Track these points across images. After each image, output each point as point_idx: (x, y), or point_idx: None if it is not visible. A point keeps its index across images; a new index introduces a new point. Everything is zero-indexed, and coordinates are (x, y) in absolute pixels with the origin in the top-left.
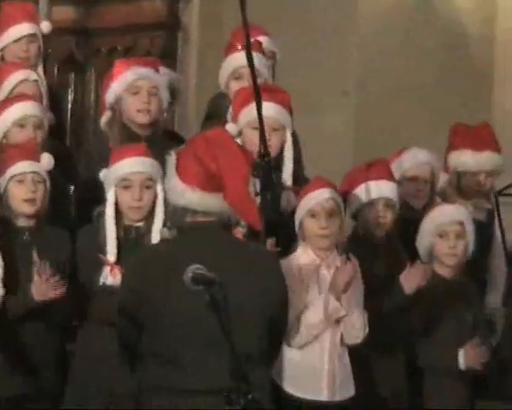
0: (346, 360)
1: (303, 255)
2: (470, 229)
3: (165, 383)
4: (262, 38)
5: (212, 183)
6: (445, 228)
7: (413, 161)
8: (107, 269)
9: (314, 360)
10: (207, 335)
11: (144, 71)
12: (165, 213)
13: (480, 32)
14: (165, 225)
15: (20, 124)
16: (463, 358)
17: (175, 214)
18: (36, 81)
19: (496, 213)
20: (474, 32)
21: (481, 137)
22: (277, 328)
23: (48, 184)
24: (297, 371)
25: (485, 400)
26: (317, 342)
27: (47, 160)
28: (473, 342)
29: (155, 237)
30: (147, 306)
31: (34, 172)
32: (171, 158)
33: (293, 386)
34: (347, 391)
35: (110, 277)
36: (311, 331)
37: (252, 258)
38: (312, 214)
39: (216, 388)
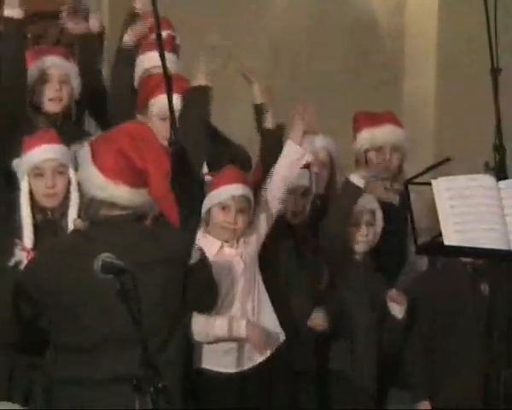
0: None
1: (203, 240)
2: (380, 216)
3: (77, 374)
4: (169, 32)
5: (138, 178)
6: (357, 216)
7: (310, 147)
8: (22, 254)
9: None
10: (118, 324)
11: (55, 59)
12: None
13: (391, 22)
14: (79, 215)
15: None
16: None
17: (90, 206)
18: None
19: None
20: (385, 22)
21: (381, 115)
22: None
23: None
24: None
25: None
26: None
27: None
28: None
29: (70, 224)
30: (52, 297)
31: None
32: (84, 148)
33: (205, 359)
34: (253, 360)
35: (26, 261)
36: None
37: (160, 246)
38: (223, 207)
39: (127, 376)
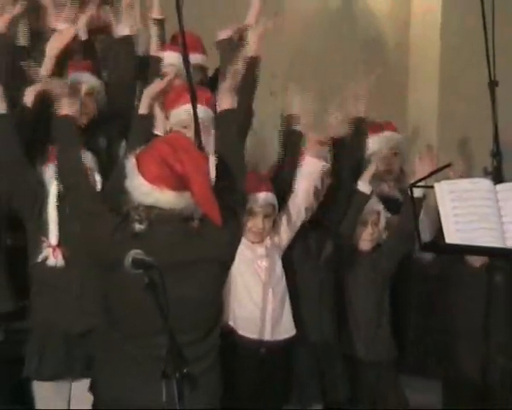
0: (288, 302)
1: None
2: (383, 217)
3: (117, 347)
4: (198, 56)
5: (180, 183)
6: (366, 217)
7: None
8: (48, 251)
9: (258, 303)
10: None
11: (82, 74)
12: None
13: (397, 40)
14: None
15: None
16: None
17: (138, 211)
18: None
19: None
20: (391, 40)
21: (381, 124)
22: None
23: None
24: (245, 313)
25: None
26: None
27: None
28: None
29: None
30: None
31: None
32: (131, 160)
33: (244, 328)
34: (288, 331)
35: (52, 258)
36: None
37: (204, 245)
38: (251, 213)
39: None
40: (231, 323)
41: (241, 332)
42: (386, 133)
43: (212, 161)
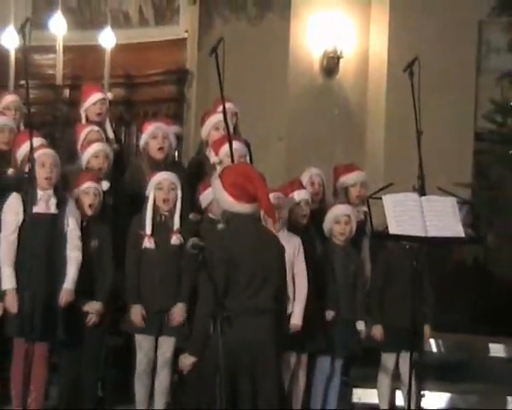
0: None
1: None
2: (354, 219)
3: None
4: (229, 104)
5: (250, 197)
6: (339, 218)
7: (310, 174)
8: (146, 238)
9: None
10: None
11: (160, 125)
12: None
13: (357, 100)
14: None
15: (96, 155)
16: None
17: (224, 214)
18: (98, 131)
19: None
20: (354, 100)
21: (351, 166)
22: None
23: (101, 197)
24: None
25: None
26: None
27: (105, 183)
28: None
29: (177, 221)
30: (227, 258)
31: (96, 188)
32: (217, 180)
33: None
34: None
35: (148, 243)
36: None
37: (268, 236)
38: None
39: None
40: None
41: None
42: (358, 172)
43: None
